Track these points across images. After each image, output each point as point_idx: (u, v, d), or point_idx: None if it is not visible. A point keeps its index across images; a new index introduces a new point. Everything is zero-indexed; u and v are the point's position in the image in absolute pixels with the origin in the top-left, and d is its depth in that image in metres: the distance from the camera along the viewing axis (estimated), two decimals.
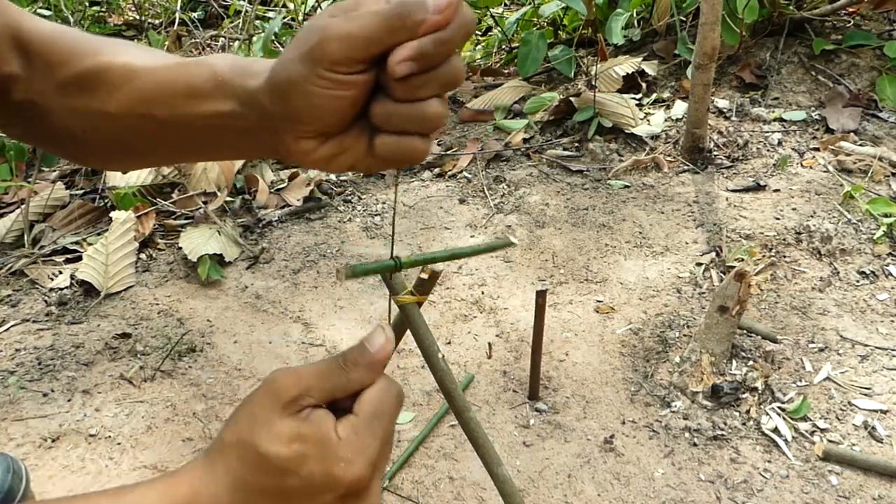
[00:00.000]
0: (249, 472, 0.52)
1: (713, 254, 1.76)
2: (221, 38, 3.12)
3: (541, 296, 1.32)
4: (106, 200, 2.02)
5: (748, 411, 1.35)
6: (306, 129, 0.54)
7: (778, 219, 1.83)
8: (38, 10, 3.05)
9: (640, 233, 1.86)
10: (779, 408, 1.36)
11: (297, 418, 0.52)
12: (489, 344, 1.54)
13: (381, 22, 0.48)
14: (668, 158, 2.13)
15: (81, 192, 2.10)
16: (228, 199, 2.02)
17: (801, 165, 2.06)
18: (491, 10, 3.08)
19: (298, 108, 0.53)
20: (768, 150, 2.12)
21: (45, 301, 1.68)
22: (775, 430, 1.32)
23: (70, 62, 0.66)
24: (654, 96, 2.42)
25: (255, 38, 2.71)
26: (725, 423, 1.33)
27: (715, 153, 2.13)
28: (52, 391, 1.41)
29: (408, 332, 0.71)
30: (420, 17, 0.48)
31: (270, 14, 3.28)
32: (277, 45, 2.93)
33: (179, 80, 0.62)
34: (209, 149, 0.66)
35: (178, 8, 3.38)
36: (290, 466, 0.51)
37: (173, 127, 0.63)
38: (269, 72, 0.56)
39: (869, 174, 1.97)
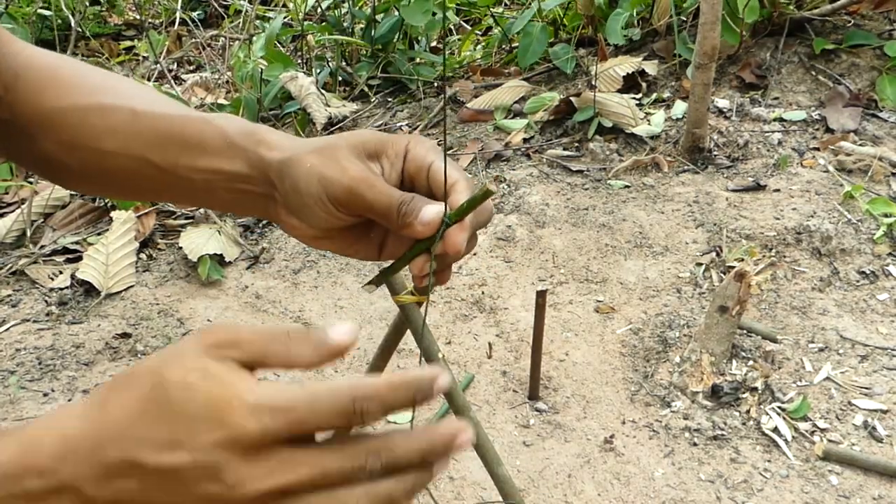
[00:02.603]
0: (129, 394, 0.42)
1: (713, 254, 1.76)
2: (221, 38, 3.12)
3: (541, 296, 1.32)
4: (106, 200, 2.02)
5: (748, 411, 1.35)
6: (300, 219, 0.60)
7: (778, 219, 1.83)
8: (39, 11, 3.05)
9: (640, 233, 1.86)
10: (779, 408, 1.36)
11: (212, 360, 0.43)
12: (489, 344, 1.54)
13: (388, 207, 0.56)
14: (668, 158, 2.14)
15: None
16: None
17: (801, 165, 2.06)
18: (491, 9, 3.08)
19: (300, 208, 0.59)
20: (768, 150, 2.12)
21: (46, 301, 1.68)
22: (775, 430, 1.32)
23: (66, 95, 0.65)
24: (654, 96, 2.42)
25: (255, 39, 2.72)
26: (725, 423, 1.34)
27: (715, 153, 2.13)
28: (53, 391, 1.41)
29: (408, 332, 0.71)
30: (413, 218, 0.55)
31: (270, 14, 3.28)
32: (278, 45, 2.93)
33: (186, 132, 0.62)
34: (200, 199, 0.67)
35: (179, 7, 3.38)
36: (178, 394, 0.41)
37: (170, 175, 0.64)
38: (287, 159, 0.59)
39: (869, 174, 1.97)
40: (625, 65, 2.43)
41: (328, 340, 0.45)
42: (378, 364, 0.95)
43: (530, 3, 2.65)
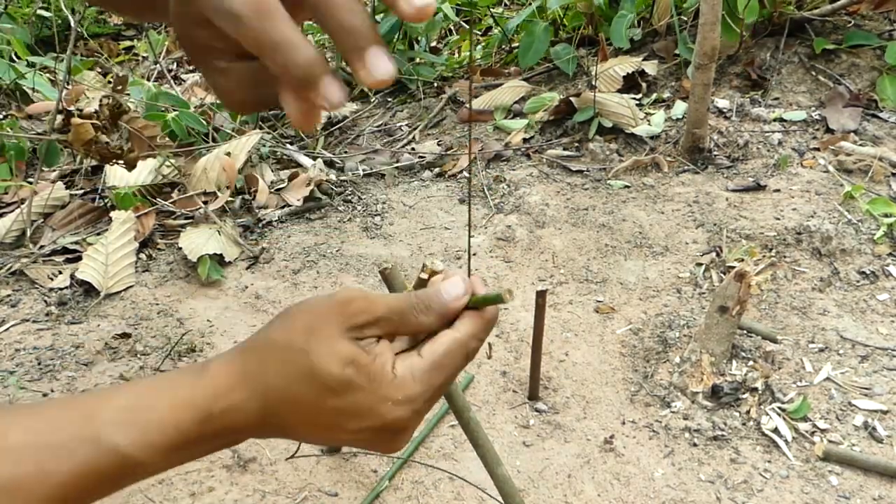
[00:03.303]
0: (289, 380, 0.49)
1: (713, 254, 1.76)
2: None
3: (541, 296, 1.31)
4: (106, 200, 2.02)
5: (748, 411, 1.35)
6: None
7: (778, 219, 1.83)
8: (38, 11, 3.05)
9: (640, 233, 1.86)
10: (779, 408, 1.36)
11: (358, 344, 0.50)
12: (489, 344, 1.54)
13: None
14: (668, 158, 2.13)
15: (81, 191, 2.10)
16: (228, 198, 2.02)
17: (801, 165, 2.06)
18: (491, 9, 3.08)
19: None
20: (768, 150, 2.12)
21: (45, 301, 1.68)
22: (775, 431, 1.32)
23: None
24: (654, 96, 2.42)
25: None
26: (725, 424, 1.33)
27: (715, 153, 2.13)
28: (52, 391, 1.41)
29: None
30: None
31: None
32: None
33: None
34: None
35: None
36: (335, 388, 0.49)
37: None
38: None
39: (869, 174, 1.97)
40: (625, 65, 2.43)
41: (448, 306, 0.54)
42: None
43: (530, 3, 2.65)
